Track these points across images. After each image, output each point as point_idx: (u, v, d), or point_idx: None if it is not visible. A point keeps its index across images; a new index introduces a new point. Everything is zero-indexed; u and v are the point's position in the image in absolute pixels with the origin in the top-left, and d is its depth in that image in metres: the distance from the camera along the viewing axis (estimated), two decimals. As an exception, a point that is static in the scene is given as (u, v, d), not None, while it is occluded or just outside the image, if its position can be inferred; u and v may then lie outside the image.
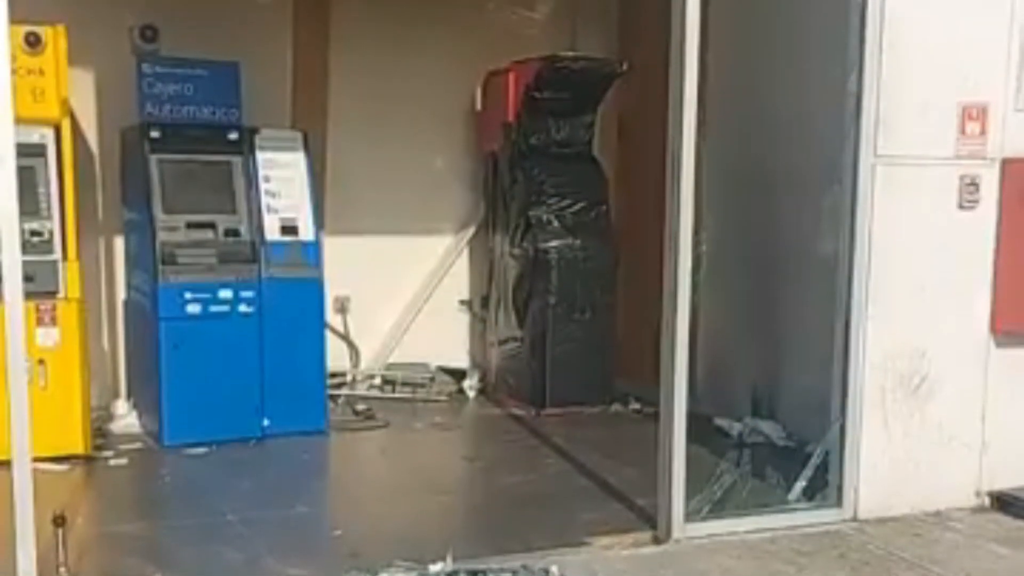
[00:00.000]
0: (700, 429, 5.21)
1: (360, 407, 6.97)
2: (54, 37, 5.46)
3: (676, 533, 4.62)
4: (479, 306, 7.77)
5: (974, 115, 5.03)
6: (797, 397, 5.90)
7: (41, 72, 5.43)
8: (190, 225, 6.03)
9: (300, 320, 6.22)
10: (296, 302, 6.18)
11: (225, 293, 6.03)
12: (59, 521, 4.02)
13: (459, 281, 7.87)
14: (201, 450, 5.87)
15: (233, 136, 6.21)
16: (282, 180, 6.31)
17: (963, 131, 5.04)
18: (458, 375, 7.63)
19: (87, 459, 5.61)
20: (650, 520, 4.73)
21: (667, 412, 4.57)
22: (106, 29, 6.18)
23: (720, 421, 6.26)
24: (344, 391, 7.23)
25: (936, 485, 5.17)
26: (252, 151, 6.26)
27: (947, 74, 4.98)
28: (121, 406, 6.48)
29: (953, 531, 4.97)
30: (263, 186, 6.25)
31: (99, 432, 6.05)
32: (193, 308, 5.95)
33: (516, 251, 7.15)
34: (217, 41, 6.34)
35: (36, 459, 3.99)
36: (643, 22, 7.12)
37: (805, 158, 5.60)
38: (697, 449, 4.95)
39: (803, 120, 5.68)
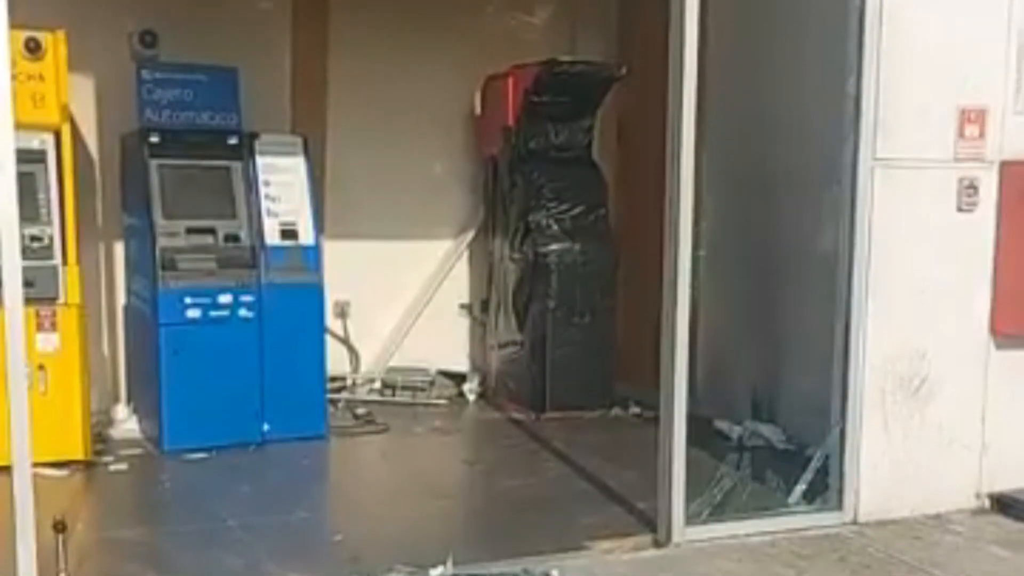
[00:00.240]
0: (700, 432, 5.20)
1: (360, 411, 6.95)
2: (54, 43, 5.46)
3: (676, 537, 4.61)
4: (479, 310, 7.76)
5: (973, 118, 5.04)
6: (797, 400, 5.90)
7: (41, 78, 5.43)
8: (190, 230, 6.02)
9: (300, 324, 6.21)
10: (296, 306, 6.18)
11: (225, 298, 6.03)
12: (59, 527, 4.02)
13: (459, 285, 7.86)
14: (201, 455, 5.86)
15: (233, 141, 6.21)
16: (282, 185, 6.30)
17: (962, 134, 5.04)
18: (458, 379, 7.62)
19: (87, 464, 5.61)
20: (650, 524, 4.73)
21: (667, 415, 4.57)
22: (106, 35, 6.18)
23: (720, 424, 6.26)
24: (344, 395, 7.22)
25: (936, 487, 5.17)
26: (252, 156, 6.25)
27: (946, 77, 4.98)
28: (121, 411, 6.47)
29: (953, 533, 4.97)
30: (263, 191, 6.24)
31: (99, 437, 6.04)
32: (193, 313, 5.95)
33: (516, 255, 7.14)
34: (217, 46, 6.34)
35: (36, 464, 3.99)
36: (642, 26, 7.11)
37: (804, 161, 5.60)
38: (697, 452, 4.94)
39: (802, 123, 5.68)
